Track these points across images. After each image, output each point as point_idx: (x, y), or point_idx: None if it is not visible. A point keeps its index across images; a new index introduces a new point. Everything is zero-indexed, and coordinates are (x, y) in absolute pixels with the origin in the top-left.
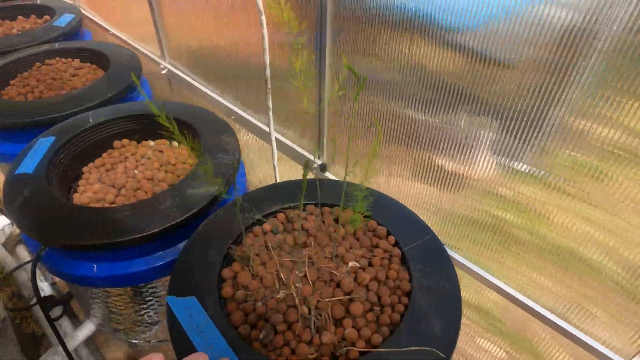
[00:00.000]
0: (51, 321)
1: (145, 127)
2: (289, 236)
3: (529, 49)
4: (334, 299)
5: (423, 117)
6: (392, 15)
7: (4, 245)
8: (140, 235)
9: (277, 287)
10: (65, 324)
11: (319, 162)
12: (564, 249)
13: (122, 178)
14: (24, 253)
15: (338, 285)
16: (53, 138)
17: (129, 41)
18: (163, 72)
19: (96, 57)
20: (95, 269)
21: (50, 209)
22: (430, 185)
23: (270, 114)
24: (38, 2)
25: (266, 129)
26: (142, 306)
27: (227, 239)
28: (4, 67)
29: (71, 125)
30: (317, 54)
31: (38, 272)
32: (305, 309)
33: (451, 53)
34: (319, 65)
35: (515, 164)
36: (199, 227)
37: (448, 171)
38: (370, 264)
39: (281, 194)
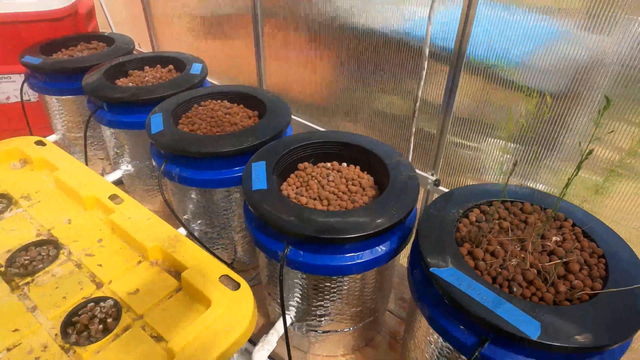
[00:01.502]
0: (283, 311)
1: (314, 153)
2: (493, 224)
3: (552, 80)
4: (551, 263)
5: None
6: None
7: None
8: (379, 229)
9: (508, 258)
10: None
11: (434, 178)
12: None
13: (323, 192)
14: None
15: (551, 253)
16: (264, 162)
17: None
18: None
19: (243, 98)
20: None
21: (295, 214)
22: None
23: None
24: (141, 49)
25: None
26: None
27: (448, 225)
28: (174, 110)
29: (266, 152)
30: (446, 95)
31: None
32: (534, 271)
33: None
34: (447, 103)
35: (532, 184)
36: (420, 221)
37: None
38: (564, 239)
39: (470, 194)
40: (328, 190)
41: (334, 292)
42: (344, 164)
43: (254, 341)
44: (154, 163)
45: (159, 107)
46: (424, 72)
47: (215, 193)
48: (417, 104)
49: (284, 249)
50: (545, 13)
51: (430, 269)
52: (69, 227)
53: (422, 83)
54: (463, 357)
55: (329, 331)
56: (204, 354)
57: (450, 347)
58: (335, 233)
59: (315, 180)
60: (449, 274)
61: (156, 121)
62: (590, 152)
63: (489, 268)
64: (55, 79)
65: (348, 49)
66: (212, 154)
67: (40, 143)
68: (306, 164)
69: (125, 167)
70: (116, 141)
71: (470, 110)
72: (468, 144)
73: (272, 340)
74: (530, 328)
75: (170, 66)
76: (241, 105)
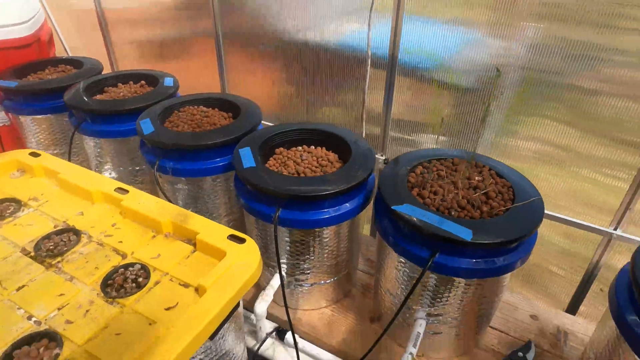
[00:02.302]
0: (279, 263)
1: (287, 140)
2: (433, 174)
3: (469, 79)
4: (476, 194)
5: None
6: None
7: None
8: (349, 185)
9: (446, 194)
10: None
11: (383, 157)
12: None
13: (300, 168)
14: None
15: (475, 188)
16: (248, 147)
17: None
18: None
19: (218, 102)
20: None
21: (282, 181)
22: None
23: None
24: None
25: None
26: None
27: (400, 178)
28: (159, 115)
29: (246, 142)
30: (386, 93)
31: None
32: (465, 201)
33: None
34: (387, 100)
35: None
36: (380, 177)
37: None
38: (483, 178)
39: (414, 157)
40: (303, 166)
41: (317, 244)
42: (313, 147)
43: (249, 309)
44: (141, 167)
45: (144, 114)
46: (368, 69)
47: (204, 182)
48: (365, 95)
49: (275, 211)
50: (455, 24)
51: (392, 207)
52: (83, 217)
53: (367, 81)
54: (421, 269)
55: (314, 283)
56: (228, 286)
57: (412, 264)
58: (315, 192)
59: (292, 161)
60: (405, 208)
61: (146, 125)
62: (488, 106)
63: (433, 202)
64: (31, 100)
65: (301, 62)
66: (203, 146)
67: (34, 154)
68: (282, 149)
69: (109, 175)
70: (99, 150)
71: (405, 105)
72: (406, 137)
73: (269, 293)
74: (465, 234)
75: (143, 82)
76: (216, 109)
